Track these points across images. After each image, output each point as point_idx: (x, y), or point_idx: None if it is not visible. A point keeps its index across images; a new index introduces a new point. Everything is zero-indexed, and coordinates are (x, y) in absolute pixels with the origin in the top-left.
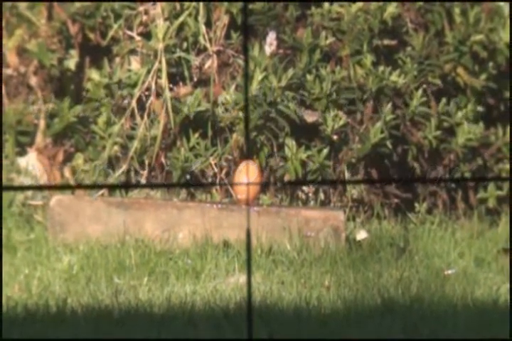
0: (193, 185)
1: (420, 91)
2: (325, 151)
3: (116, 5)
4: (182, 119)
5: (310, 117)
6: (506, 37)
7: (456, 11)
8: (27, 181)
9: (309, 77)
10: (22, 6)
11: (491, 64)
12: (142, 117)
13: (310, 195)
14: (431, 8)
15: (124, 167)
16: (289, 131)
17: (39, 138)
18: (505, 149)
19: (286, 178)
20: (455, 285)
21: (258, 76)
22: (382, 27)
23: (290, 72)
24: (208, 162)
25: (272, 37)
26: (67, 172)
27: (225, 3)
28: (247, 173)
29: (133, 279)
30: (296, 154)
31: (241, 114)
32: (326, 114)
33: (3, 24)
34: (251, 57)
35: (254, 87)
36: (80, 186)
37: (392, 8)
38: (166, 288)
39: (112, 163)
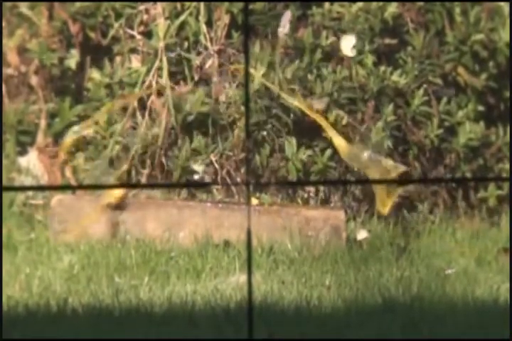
0: (193, 184)
1: (421, 91)
2: (328, 152)
3: (117, 4)
4: (183, 118)
5: (318, 105)
6: (506, 36)
7: (457, 10)
8: (28, 180)
9: (310, 77)
10: (23, 5)
11: (491, 63)
12: (143, 116)
13: (311, 194)
14: (431, 7)
15: (125, 166)
16: (291, 128)
17: (40, 138)
18: (505, 149)
19: (285, 178)
20: (455, 284)
21: (260, 71)
22: (383, 26)
23: (292, 67)
24: (209, 159)
25: (286, 18)
26: (68, 172)
27: (226, 3)
28: None
29: (134, 279)
30: (297, 154)
31: (242, 108)
32: (328, 114)
33: (4, 24)
34: (252, 55)
35: (256, 82)
36: (80, 186)
37: (392, 8)
38: (166, 288)
39: (113, 162)
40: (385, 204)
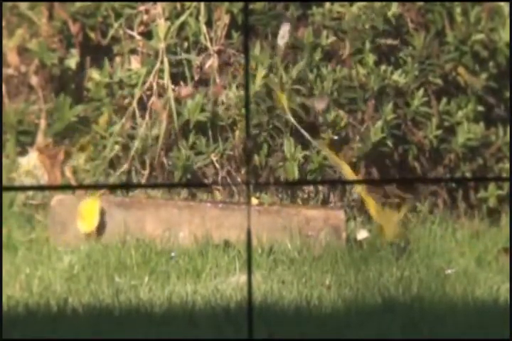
0: (194, 185)
1: (421, 91)
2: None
3: (117, 4)
4: (183, 124)
5: (320, 104)
6: (506, 36)
7: (457, 10)
8: (28, 181)
9: (310, 76)
10: (23, 5)
11: (491, 63)
12: (143, 117)
13: (311, 194)
14: (431, 7)
15: (125, 166)
16: (291, 128)
17: (40, 138)
18: (505, 149)
19: (284, 178)
20: (455, 284)
21: (261, 73)
22: (386, 26)
23: (294, 69)
24: (210, 159)
25: (284, 29)
26: (68, 172)
27: (226, 3)
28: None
29: (134, 279)
30: (294, 154)
31: (243, 110)
32: (327, 114)
33: (4, 24)
34: (252, 56)
35: (257, 83)
36: (80, 186)
37: (395, 8)
38: (166, 288)
39: (113, 163)
40: (393, 232)
